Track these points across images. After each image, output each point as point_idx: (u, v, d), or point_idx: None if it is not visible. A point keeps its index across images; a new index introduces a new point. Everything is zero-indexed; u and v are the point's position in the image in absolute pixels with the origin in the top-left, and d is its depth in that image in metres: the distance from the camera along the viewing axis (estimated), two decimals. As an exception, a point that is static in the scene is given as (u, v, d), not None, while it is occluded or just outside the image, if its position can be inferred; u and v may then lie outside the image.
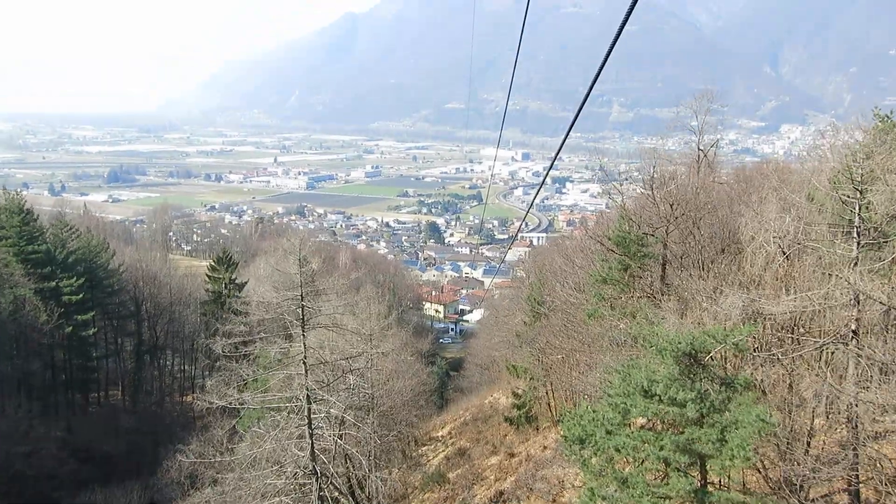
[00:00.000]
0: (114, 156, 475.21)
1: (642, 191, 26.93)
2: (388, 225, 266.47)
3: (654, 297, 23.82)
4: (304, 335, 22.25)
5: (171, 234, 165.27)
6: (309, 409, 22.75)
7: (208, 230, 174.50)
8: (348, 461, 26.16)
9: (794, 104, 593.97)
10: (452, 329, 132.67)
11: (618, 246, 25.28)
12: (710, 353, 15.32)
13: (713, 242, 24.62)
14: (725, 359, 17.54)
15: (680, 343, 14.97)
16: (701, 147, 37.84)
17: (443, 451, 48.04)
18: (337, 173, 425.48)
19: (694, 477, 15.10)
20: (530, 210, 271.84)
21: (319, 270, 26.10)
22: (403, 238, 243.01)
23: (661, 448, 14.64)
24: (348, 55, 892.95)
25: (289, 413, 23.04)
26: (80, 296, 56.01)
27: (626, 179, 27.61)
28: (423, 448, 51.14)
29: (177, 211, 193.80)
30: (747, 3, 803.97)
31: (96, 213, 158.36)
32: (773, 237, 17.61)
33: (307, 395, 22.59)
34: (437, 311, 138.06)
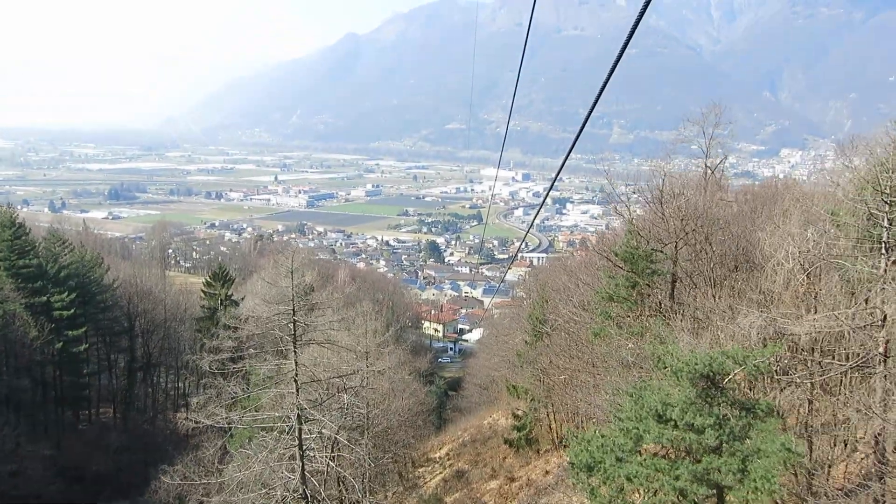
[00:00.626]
0: (115, 173, 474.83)
1: (651, 205, 25.89)
2: (387, 244, 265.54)
3: (664, 316, 22.75)
4: (295, 351, 21.17)
5: (170, 251, 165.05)
6: (300, 430, 21.62)
7: (208, 248, 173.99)
8: (341, 484, 24.98)
9: (794, 129, 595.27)
10: (451, 348, 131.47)
11: (625, 262, 24.22)
12: (728, 375, 14.27)
13: (726, 259, 23.58)
14: (740, 382, 16.36)
15: (697, 364, 13.92)
16: (708, 165, 36.92)
17: (440, 472, 46.82)
18: (337, 192, 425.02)
19: (712, 509, 14.02)
20: (530, 230, 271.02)
21: (315, 286, 25.04)
22: (403, 257, 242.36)
23: (677, 478, 13.55)
24: (350, 75, 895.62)
25: (279, 433, 21.89)
26: (72, 311, 54.82)
27: (635, 193, 26.57)
28: (420, 469, 49.96)
29: (176, 228, 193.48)
30: (747, 28, 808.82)
31: (96, 229, 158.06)
32: (796, 253, 16.56)
33: (298, 414, 21.46)
34: (436, 330, 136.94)
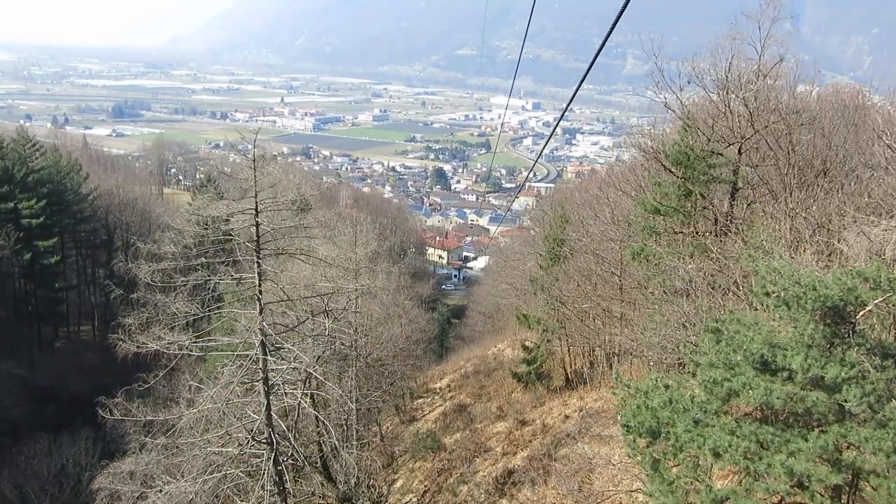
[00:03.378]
0: (119, 90, 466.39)
1: (712, 95, 20.75)
2: (394, 169, 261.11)
3: (728, 231, 18.05)
4: (258, 262, 16.59)
5: (173, 169, 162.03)
6: (265, 361, 17.18)
7: (212, 168, 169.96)
8: (321, 425, 20.70)
9: (813, 64, 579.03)
10: (456, 276, 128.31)
11: (677, 165, 19.37)
12: (865, 307, 9.60)
13: (813, 162, 18.63)
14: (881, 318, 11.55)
15: (828, 289, 9.23)
16: (761, 68, 31.46)
17: (440, 405, 42.99)
18: (344, 116, 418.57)
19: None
20: (539, 160, 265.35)
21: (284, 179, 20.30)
22: (409, 183, 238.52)
23: (793, 455, 9.00)
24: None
25: (240, 364, 17.51)
26: (42, 219, 50.14)
27: (689, 83, 21.17)
28: (419, 401, 46.26)
29: (180, 147, 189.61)
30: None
31: (99, 146, 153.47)
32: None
33: (262, 341, 16.99)
34: (440, 256, 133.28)
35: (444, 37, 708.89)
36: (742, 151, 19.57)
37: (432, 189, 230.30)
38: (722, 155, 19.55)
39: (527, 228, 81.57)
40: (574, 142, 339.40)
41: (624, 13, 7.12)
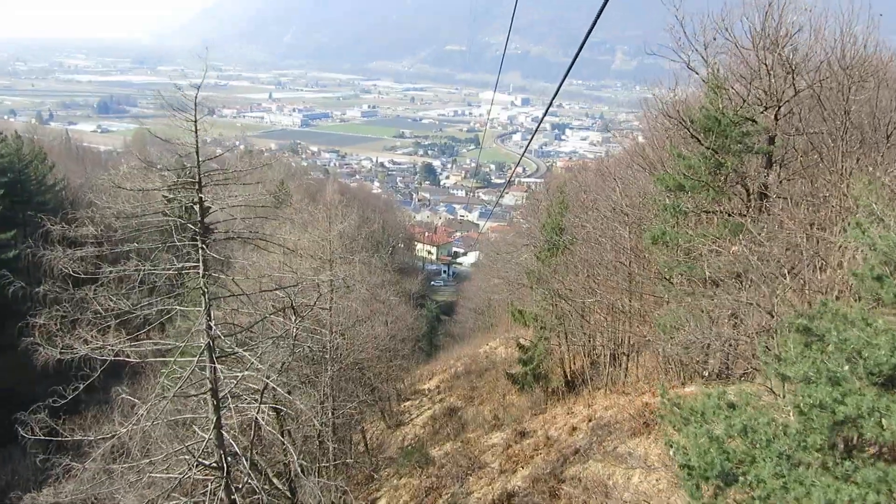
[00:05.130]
0: (105, 86, 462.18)
1: (744, 51, 17.66)
2: (382, 165, 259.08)
3: (765, 208, 15.10)
4: (202, 247, 13.57)
5: (158, 165, 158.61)
6: (214, 369, 14.12)
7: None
8: (284, 444, 17.60)
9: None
10: (445, 271, 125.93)
11: (706, 133, 16.35)
12: None
13: (878, 124, 15.59)
14: None
15: None
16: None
17: (429, 408, 40.16)
18: (333, 112, 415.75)
19: None
20: (528, 155, 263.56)
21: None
22: (398, 179, 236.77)
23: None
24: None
25: (182, 373, 14.46)
26: (-2, 211, 46.78)
27: (715, 38, 17.95)
28: (407, 403, 43.47)
29: (165, 143, 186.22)
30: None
31: (82, 141, 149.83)
32: None
33: (209, 345, 13.93)
34: (429, 252, 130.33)
35: (433, 32, 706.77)
36: (778, 117, 16.62)
37: (421, 184, 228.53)
38: (756, 121, 16.57)
39: (517, 223, 79.32)
40: (563, 137, 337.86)
41: (612, 8, 7.01)
